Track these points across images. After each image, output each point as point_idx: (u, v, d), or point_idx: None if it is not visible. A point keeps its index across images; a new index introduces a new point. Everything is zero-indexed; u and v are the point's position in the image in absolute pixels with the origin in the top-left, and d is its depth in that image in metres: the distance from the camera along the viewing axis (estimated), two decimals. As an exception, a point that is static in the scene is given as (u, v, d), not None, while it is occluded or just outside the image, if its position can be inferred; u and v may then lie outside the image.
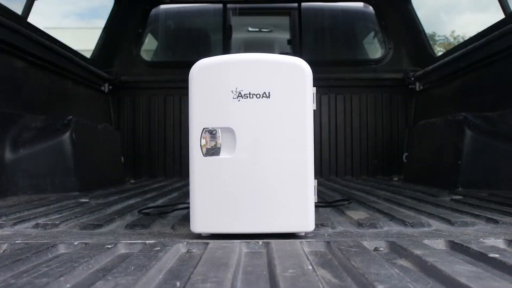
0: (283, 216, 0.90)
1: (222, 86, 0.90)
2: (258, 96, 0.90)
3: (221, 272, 0.62)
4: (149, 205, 1.53)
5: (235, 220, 0.90)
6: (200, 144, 0.90)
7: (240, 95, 0.90)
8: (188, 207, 1.38)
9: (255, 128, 0.90)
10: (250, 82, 0.90)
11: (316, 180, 0.93)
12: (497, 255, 0.71)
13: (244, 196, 0.89)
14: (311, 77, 0.92)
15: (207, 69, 0.92)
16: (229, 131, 0.90)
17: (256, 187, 0.89)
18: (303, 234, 0.94)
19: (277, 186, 0.90)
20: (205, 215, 0.90)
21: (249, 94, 0.90)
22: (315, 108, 0.93)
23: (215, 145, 0.90)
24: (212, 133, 0.90)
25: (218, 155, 0.90)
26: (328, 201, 1.55)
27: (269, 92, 0.90)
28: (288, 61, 0.92)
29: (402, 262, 0.74)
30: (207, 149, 0.90)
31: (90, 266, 0.70)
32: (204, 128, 0.90)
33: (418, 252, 0.75)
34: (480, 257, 0.73)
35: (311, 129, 0.92)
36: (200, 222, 0.91)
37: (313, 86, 0.93)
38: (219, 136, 0.90)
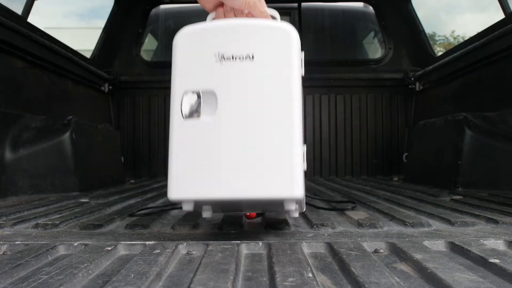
0: (267, 181, 0.82)
1: (205, 50, 0.87)
2: (241, 58, 0.86)
3: (221, 280, 0.62)
4: (141, 208, 1.52)
5: (217, 185, 0.83)
6: (181, 107, 0.86)
7: (222, 57, 0.86)
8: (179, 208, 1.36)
9: (238, 91, 0.86)
10: (234, 45, 0.87)
11: (305, 146, 0.87)
12: (497, 261, 0.71)
13: (226, 160, 0.83)
14: (298, 41, 0.88)
15: (190, 34, 0.89)
16: (211, 94, 0.86)
17: (238, 150, 0.83)
18: (294, 209, 0.86)
19: (260, 150, 0.83)
20: (184, 180, 0.84)
21: (232, 56, 0.86)
22: (303, 74, 0.89)
23: (196, 108, 0.86)
24: (193, 95, 0.87)
25: (199, 117, 0.85)
26: (332, 206, 1.49)
27: (252, 55, 0.86)
28: (274, 25, 0.89)
29: (402, 266, 0.74)
30: (188, 112, 0.86)
31: (90, 271, 0.69)
32: (185, 91, 0.87)
33: (418, 256, 0.75)
34: (481, 262, 0.73)
35: (298, 93, 0.87)
36: (178, 188, 0.84)
37: (305, 58, 0.90)
38: (200, 99, 0.86)
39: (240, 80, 0.86)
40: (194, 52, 0.88)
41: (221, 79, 0.86)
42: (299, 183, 0.82)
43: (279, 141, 0.83)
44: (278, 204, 0.87)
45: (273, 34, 0.87)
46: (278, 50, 0.86)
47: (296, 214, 0.91)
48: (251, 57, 0.86)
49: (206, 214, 0.93)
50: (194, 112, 0.86)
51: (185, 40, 0.89)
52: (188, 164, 0.84)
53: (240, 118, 0.84)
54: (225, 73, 0.86)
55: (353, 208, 1.39)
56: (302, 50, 0.90)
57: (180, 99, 0.86)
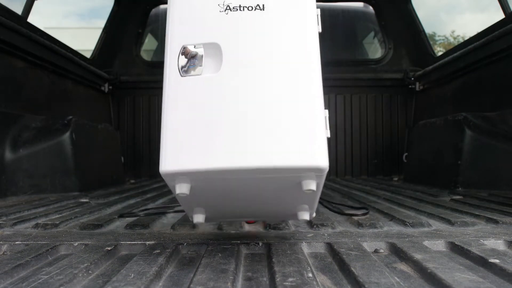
0: (283, 148, 0.68)
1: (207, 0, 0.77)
2: (250, 8, 0.75)
3: (221, 280, 0.62)
4: (134, 210, 1.50)
5: (222, 153, 0.68)
6: (178, 62, 0.73)
7: (228, 8, 0.75)
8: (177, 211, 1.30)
9: (247, 44, 0.74)
10: None
11: (327, 111, 0.74)
12: (497, 261, 0.71)
13: (232, 123, 0.70)
14: None
15: None
16: (215, 47, 0.74)
17: (247, 111, 0.70)
18: (314, 188, 0.70)
19: (274, 111, 0.70)
20: (180, 149, 0.69)
21: (239, 6, 0.75)
22: (320, 31, 0.80)
23: (196, 62, 0.73)
24: (193, 49, 0.74)
25: (200, 74, 0.73)
26: (344, 211, 1.35)
27: (263, 5, 0.75)
28: None
29: (402, 266, 0.74)
30: (187, 67, 0.74)
31: (90, 271, 0.70)
32: (184, 44, 0.74)
33: (418, 256, 0.75)
34: (480, 262, 0.73)
35: (316, 50, 0.77)
36: (173, 159, 0.69)
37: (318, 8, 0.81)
38: (202, 52, 0.74)
39: (249, 32, 0.75)
40: (194, 2, 0.77)
41: (227, 31, 0.75)
42: (322, 150, 0.68)
43: (297, 101, 0.71)
44: (293, 188, 0.73)
45: None
46: (292, 1, 0.77)
47: (307, 217, 0.81)
48: (261, 7, 0.75)
49: (198, 218, 0.82)
50: (195, 67, 0.73)
51: None
52: (186, 129, 0.71)
53: (250, 75, 0.72)
54: (232, 24, 0.75)
55: (364, 215, 1.27)
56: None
57: (178, 53, 0.74)
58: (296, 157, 0.67)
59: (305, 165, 0.67)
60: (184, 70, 0.73)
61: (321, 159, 0.67)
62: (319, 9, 0.80)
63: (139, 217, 1.28)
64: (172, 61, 0.73)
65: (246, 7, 0.75)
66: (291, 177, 0.70)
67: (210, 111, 0.71)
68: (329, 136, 0.71)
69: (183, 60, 0.73)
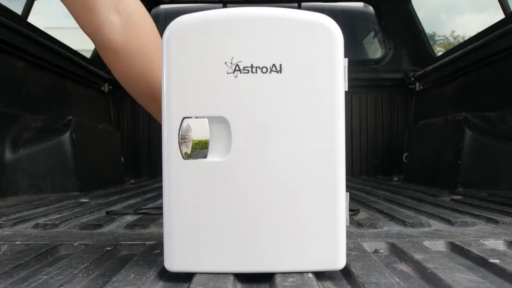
0: (300, 248, 0.64)
1: (211, 55, 0.63)
2: (264, 70, 0.63)
3: (221, 280, 0.62)
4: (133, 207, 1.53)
5: (230, 254, 0.64)
6: (179, 141, 0.63)
7: (237, 68, 0.63)
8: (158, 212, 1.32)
9: (260, 118, 0.63)
10: (253, 49, 0.63)
11: (348, 194, 0.68)
12: (497, 261, 0.71)
13: (243, 219, 0.64)
14: (342, 43, 0.68)
15: (189, 30, 0.64)
16: (222, 121, 0.64)
17: (260, 205, 0.64)
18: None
19: (291, 204, 0.64)
20: (186, 246, 0.64)
21: (251, 67, 0.63)
22: (347, 89, 0.69)
23: (200, 142, 0.64)
24: (195, 125, 0.63)
25: (205, 157, 0.63)
26: None
27: (280, 65, 0.63)
28: (310, 19, 0.66)
29: (402, 266, 0.74)
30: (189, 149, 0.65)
31: (90, 271, 0.70)
32: (184, 118, 0.63)
33: (418, 256, 0.75)
34: (481, 262, 0.73)
35: (343, 121, 0.70)
36: (180, 257, 0.64)
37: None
38: (206, 130, 0.63)
39: (262, 102, 0.63)
40: (195, 58, 0.64)
41: (235, 100, 0.63)
42: (342, 250, 0.65)
43: (318, 193, 0.65)
44: None
45: (310, 34, 0.65)
46: (317, 58, 0.65)
47: None
48: (278, 68, 0.63)
49: None
50: (198, 149, 0.64)
51: (182, 38, 0.64)
52: (191, 223, 0.64)
53: (264, 159, 0.64)
54: (241, 91, 0.63)
55: (354, 214, 1.28)
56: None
57: (176, 129, 0.63)
58: (316, 261, 0.64)
59: (324, 268, 0.65)
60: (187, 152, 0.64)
61: (341, 261, 0.65)
62: (346, 59, 0.68)
63: (128, 214, 1.32)
64: (171, 138, 0.63)
65: (259, 68, 0.63)
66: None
67: (219, 204, 0.64)
68: (348, 223, 0.67)
69: (185, 137, 0.64)
